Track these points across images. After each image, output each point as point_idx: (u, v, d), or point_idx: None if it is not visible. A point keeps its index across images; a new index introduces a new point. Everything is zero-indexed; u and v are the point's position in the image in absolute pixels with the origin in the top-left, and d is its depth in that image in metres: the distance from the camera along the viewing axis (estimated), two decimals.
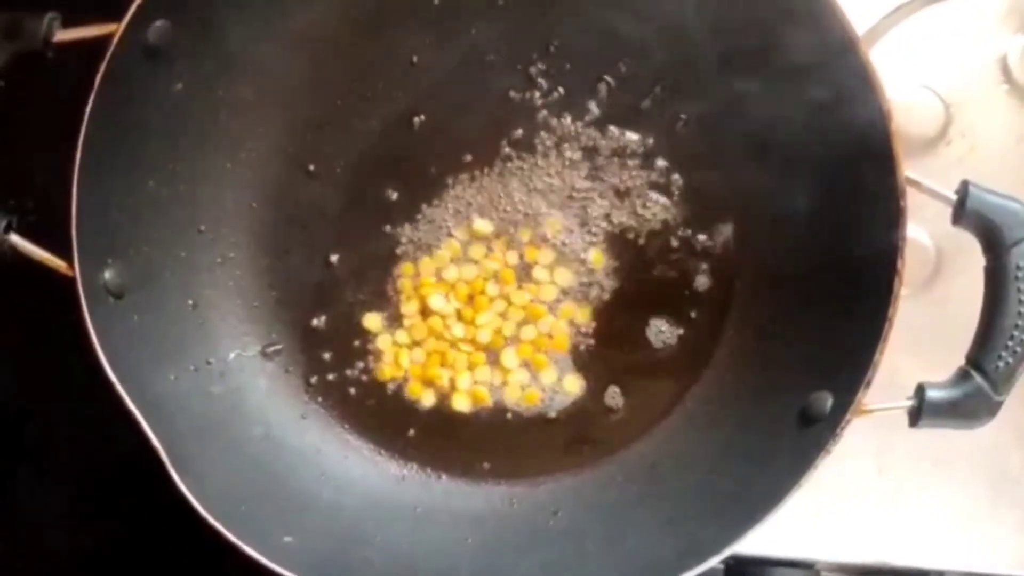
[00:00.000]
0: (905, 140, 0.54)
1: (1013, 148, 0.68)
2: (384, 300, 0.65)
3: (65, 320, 0.53)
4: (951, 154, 0.68)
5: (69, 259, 0.53)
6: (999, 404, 0.52)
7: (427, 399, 0.64)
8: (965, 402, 0.52)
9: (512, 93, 0.64)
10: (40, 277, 0.53)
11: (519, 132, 0.64)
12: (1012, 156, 0.67)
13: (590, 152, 0.64)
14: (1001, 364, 0.51)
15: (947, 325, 0.63)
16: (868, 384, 0.51)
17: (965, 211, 0.52)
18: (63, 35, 0.54)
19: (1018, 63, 0.67)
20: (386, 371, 0.64)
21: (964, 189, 0.53)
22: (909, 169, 0.53)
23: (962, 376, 0.52)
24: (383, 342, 0.64)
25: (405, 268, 0.64)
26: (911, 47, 0.68)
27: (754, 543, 0.52)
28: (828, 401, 0.54)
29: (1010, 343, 0.51)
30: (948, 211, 0.53)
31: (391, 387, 0.64)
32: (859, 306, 0.54)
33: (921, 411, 0.52)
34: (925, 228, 0.66)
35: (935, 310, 0.66)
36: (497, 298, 0.64)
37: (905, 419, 0.53)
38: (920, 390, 0.52)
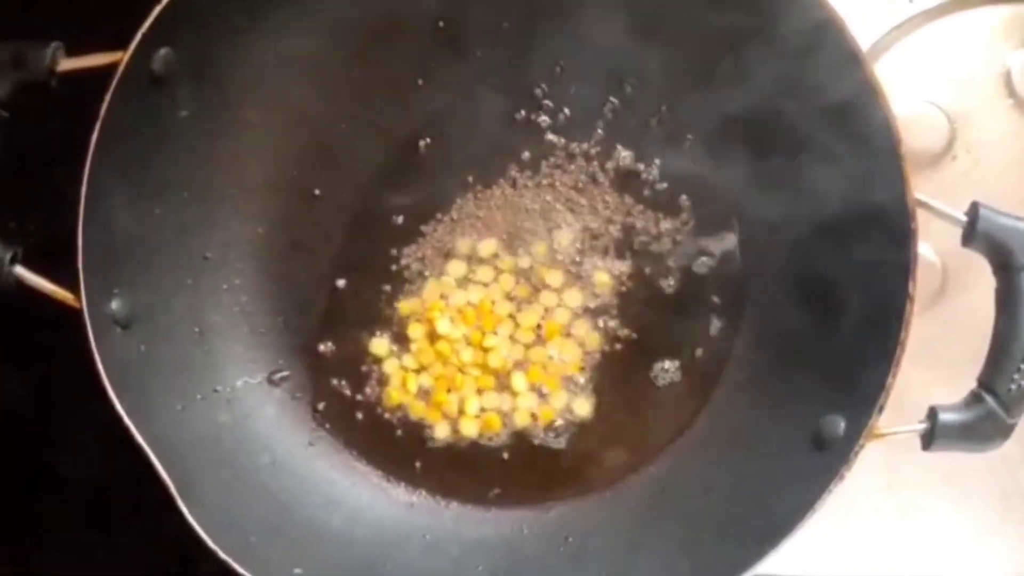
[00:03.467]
0: (910, 156, 0.53)
1: (1018, 163, 0.67)
2: (391, 324, 0.64)
3: (73, 337, 0.52)
4: (956, 170, 0.68)
5: (75, 290, 0.52)
6: (1012, 427, 0.51)
7: (437, 424, 0.63)
8: (978, 425, 0.51)
9: (518, 115, 0.64)
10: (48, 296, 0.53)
11: (525, 154, 0.64)
12: (1017, 171, 0.67)
13: (596, 173, 0.64)
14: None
15: (955, 340, 0.63)
16: (881, 409, 0.51)
17: (975, 233, 0.52)
18: (67, 64, 0.54)
19: (1022, 78, 0.67)
20: (394, 396, 0.63)
21: (974, 210, 0.52)
22: (915, 186, 0.53)
23: (974, 399, 0.51)
24: (390, 367, 0.64)
25: (411, 292, 0.64)
26: (914, 62, 0.68)
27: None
28: (841, 425, 0.54)
29: (1023, 365, 0.50)
30: (954, 227, 0.53)
31: (399, 412, 0.64)
32: (870, 329, 0.54)
33: (934, 435, 0.52)
34: (931, 243, 0.65)
35: (943, 325, 0.66)
36: (505, 321, 0.64)
37: (916, 438, 0.53)
38: (933, 413, 0.52)
